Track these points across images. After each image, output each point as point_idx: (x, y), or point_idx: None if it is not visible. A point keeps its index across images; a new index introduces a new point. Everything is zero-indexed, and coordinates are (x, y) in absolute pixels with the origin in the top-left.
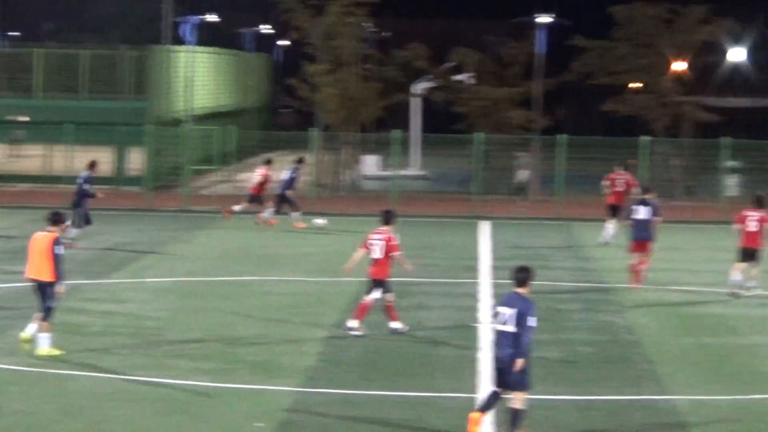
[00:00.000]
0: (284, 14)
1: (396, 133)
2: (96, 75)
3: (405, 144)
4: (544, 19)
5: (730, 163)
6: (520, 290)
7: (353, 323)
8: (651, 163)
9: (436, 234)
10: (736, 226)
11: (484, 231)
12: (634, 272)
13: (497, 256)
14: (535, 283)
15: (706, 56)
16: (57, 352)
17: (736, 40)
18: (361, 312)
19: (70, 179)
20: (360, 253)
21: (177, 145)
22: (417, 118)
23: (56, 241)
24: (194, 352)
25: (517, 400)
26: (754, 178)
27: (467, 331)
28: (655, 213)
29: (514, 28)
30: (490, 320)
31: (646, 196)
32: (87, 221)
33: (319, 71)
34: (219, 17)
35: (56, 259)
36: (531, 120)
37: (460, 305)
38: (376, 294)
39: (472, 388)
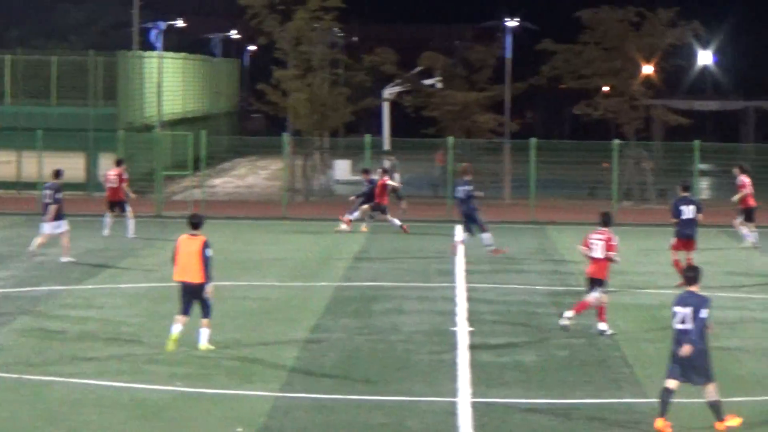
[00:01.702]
0: (252, 19)
1: (367, 138)
2: (66, 81)
3: (376, 148)
4: (511, 23)
5: (701, 166)
6: (693, 288)
7: (589, 320)
8: (622, 167)
9: (409, 238)
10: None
11: (458, 234)
12: (680, 270)
13: (471, 260)
14: (509, 286)
15: (675, 59)
16: (212, 348)
17: (704, 44)
18: (581, 308)
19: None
20: (582, 249)
21: (149, 151)
22: (386, 122)
23: (206, 244)
24: (171, 358)
25: (710, 392)
26: (724, 181)
27: (445, 335)
28: (699, 210)
29: (482, 33)
30: (674, 319)
31: (687, 194)
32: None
33: (289, 76)
34: (187, 23)
35: (207, 262)
36: (501, 124)
37: (436, 309)
38: (596, 293)
39: (452, 392)
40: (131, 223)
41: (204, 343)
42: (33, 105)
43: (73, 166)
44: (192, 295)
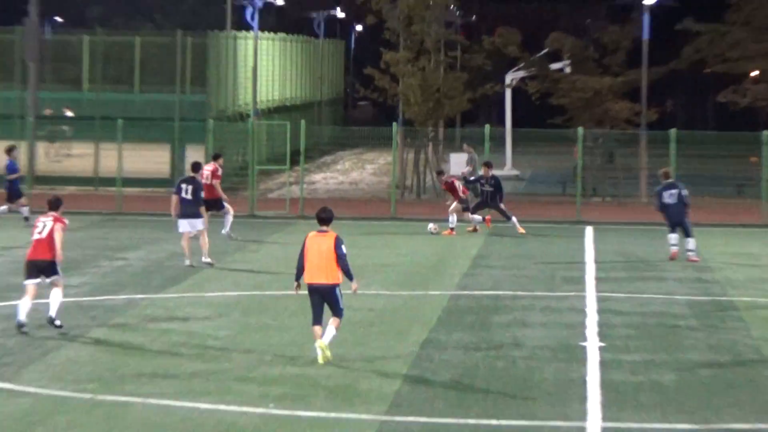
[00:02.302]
0: None
1: (487, 128)
2: (150, 65)
3: (497, 140)
4: (649, 0)
5: None
6: None
7: None
8: None
9: (533, 241)
10: None
11: (588, 237)
12: None
13: (602, 267)
14: (645, 296)
15: None
16: (329, 353)
17: None
18: None
19: (126, 182)
20: None
21: (242, 143)
22: (508, 111)
23: (339, 241)
24: (263, 376)
25: None
26: None
27: (572, 351)
28: None
29: (616, 11)
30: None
31: None
32: None
33: (399, 60)
34: (287, 0)
35: (343, 260)
36: (637, 113)
37: (563, 321)
38: None
39: (580, 415)
40: (229, 219)
41: (326, 341)
42: (114, 92)
43: (157, 159)
44: (324, 298)
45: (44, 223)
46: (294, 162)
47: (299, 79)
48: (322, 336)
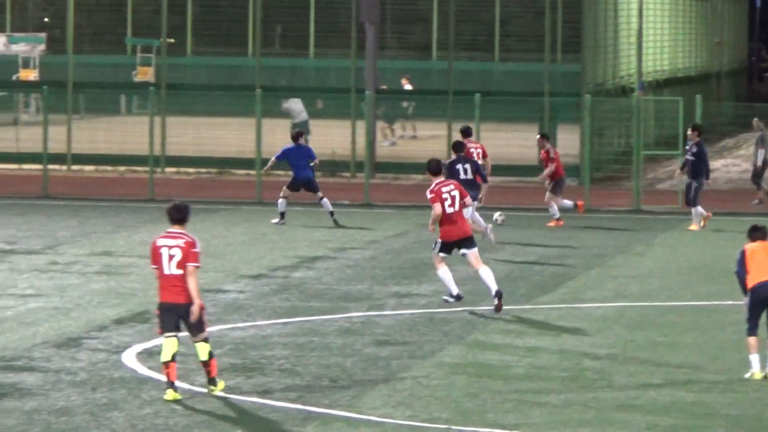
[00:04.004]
0: None
1: None
2: (512, 27)
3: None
4: None
5: None
6: None
7: None
8: None
9: None
10: None
11: None
12: None
13: None
14: None
15: None
16: None
17: None
18: None
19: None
20: None
21: (624, 123)
22: None
23: None
24: (651, 403)
25: None
26: None
27: None
28: None
29: None
30: None
31: None
32: None
33: None
34: None
35: None
36: None
37: None
38: None
39: None
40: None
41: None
42: (468, 60)
43: (522, 143)
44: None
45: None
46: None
47: (693, 46)
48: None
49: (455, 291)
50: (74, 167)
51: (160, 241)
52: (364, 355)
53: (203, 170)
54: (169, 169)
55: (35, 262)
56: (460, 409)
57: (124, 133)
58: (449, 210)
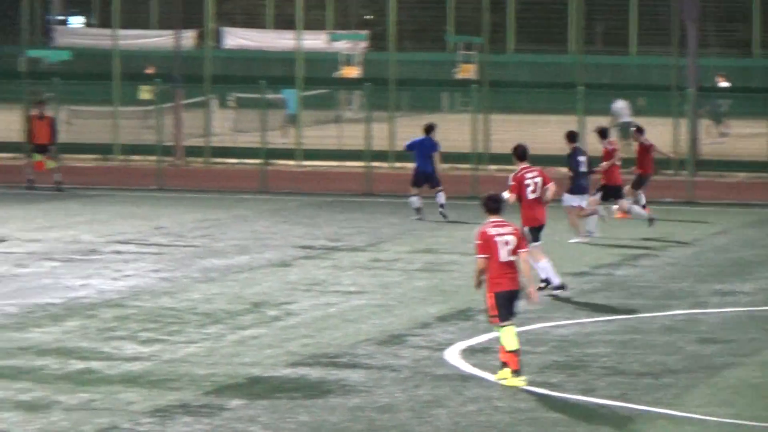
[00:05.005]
0: None
1: None
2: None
3: None
4: None
5: None
6: None
7: None
8: None
9: None
10: None
11: None
12: None
13: None
14: None
15: None
16: None
17: None
18: None
19: None
20: None
21: None
22: None
23: None
24: None
25: None
26: None
27: None
28: None
29: None
30: None
31: None
32: None
33: None
34: None
35: None
36: None
37: None
38: None
39: None
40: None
41: None
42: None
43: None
44: None
45: None
46: None
47: None
48: None
49: (557, 281)
50: (396, 164)
51: (491, 230)
52: (687, 353)
53: None
54: (491, 167)
55: (358, 259)
56: None
57: (445, 130)
58: (531, 196)
